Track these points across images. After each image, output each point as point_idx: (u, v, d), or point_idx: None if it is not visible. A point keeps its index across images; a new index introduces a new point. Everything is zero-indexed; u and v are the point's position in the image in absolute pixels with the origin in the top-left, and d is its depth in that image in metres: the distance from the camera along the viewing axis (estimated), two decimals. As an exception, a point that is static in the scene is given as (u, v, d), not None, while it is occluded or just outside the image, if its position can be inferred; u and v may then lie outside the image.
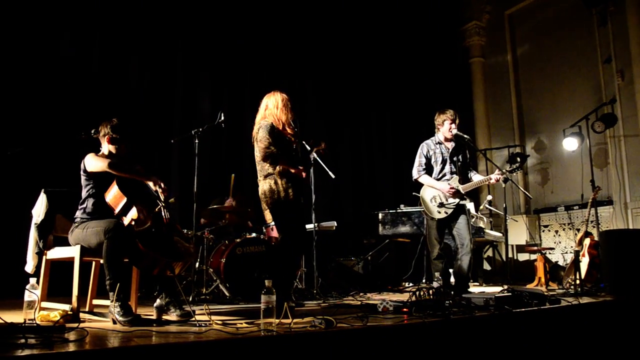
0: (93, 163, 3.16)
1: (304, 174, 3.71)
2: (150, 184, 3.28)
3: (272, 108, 3.78)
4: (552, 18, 8.49)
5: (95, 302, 3.35)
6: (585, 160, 6.89)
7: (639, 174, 7.09)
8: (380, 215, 6.67)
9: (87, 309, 3.24)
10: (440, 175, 4.68)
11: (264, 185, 3.68)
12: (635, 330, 3.85)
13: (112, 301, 2.79)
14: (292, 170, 3.68)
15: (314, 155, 4.80)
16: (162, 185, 3.23)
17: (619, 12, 7.43)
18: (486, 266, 8.11)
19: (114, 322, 2.74)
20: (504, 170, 4.65)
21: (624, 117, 7.25)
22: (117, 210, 3.08)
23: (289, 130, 3.81)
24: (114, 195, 3.10)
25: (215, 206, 5.30)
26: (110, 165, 3.10)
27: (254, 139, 3.77)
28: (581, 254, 5.66)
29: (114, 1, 5.93)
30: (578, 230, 7.54)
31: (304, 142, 3.82)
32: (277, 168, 3.64)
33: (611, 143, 7.41)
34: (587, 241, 5.74)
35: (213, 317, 2.79)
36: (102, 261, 2.91)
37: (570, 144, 7.17)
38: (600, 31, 7.68)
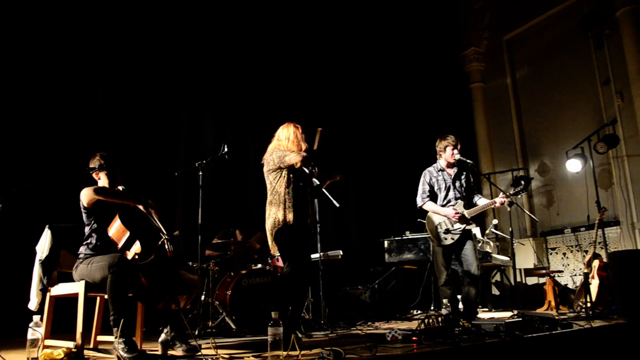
0: (85, 194, 3.18)
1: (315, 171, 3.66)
2: (141, 207, 3.19)
3: (283, 140, 3.78)
4: (550, 42, 8.59)
5: (100, 338, 3.31)
6: (590, 181, 6.86)
7: (644, 193, 7.06)
8: (385, 243, 6.63)
9: (91, 346, 3.21)
10: (445, 201, 4.66)
11: (270, 217, 3.68)
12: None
13: (116, 337, 2.75)
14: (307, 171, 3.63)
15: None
16: (153, 205, 3.21)
17: (614, 34, 7.52)
18: (494, 291, 8.01)
19: (119, 359, 2.70)
20: (508, 194, 4.63)
21: (626, 137, 7.27)
22: (120, 245, 3.06)
23: None
24: (116, 229, 3.09)
25: (219, 241, 5.31)
26: (96, 190, 3.14)
27: (266, 169, 3.75)
28: (590, 276, 5.59)
29: (117, 40, 6.03)
30: (586, 252, 7.46)
31: (314, 179, 3.78)
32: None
33: (614, 163, 7.40)
34: (595, 263, 5.67)
35: (220, 351, 2.75)
36: (106, 296, 2.89)
37: (573, 165, 7.17)
38: (598, 54, 7.78)
